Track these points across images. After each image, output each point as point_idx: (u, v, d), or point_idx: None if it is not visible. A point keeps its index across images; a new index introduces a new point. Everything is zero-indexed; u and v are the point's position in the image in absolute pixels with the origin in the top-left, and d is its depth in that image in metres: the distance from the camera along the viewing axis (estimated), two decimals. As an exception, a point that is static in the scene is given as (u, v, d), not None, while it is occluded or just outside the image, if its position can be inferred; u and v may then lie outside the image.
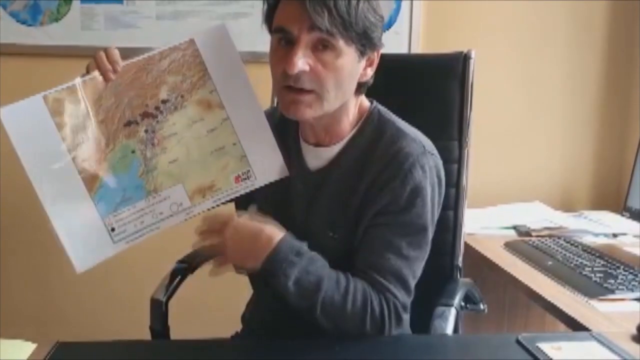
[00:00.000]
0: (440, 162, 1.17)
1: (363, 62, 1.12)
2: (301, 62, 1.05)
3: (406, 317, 1.13)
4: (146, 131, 1.13)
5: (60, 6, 2.09)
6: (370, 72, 1.15)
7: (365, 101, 1.20)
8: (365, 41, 1.09)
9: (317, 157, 1.19)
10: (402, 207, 1.11)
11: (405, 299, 1.12)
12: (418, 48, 2.18)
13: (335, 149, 1.17)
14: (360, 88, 1.16)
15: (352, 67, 1.10)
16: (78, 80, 1.10)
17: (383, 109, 1.20)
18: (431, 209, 1.14)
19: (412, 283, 1.14)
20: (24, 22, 2.09)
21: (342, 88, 1.10)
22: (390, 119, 1.18)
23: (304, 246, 1.08)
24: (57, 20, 2.09)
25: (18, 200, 2.15)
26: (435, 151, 1.17)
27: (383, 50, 1.16)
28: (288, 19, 1.06)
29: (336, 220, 1.15)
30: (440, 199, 1.17)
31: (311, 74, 1.06)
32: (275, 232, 1.07)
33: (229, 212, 1.11)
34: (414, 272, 1.14)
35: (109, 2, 2.09)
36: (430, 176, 1.13)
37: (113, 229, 1.13)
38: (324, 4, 1.03)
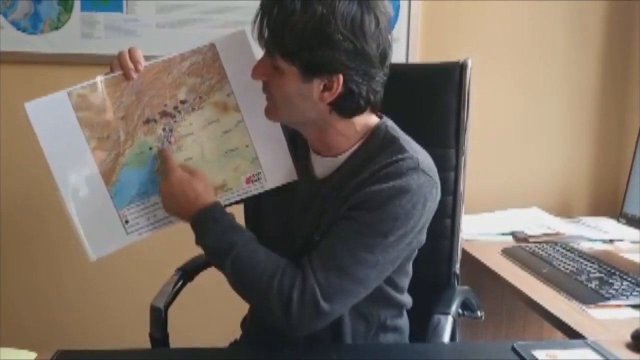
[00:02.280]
0: (433, 184, 1.13)
1: (317, 84, 1.09)
2: (256, 72, 1.13)
3: (325, 306, 1.06)
4: (164, 129, 1.18)
5: (61, 14, 2.10)
6: (329, 96, 1.10)
7: (371, 118, 1.20)
8: (302, 61, 1.07)
9: (322, 166, 1.21)
10: (370, 207, 1.09)
11: (333, 288, 1.06)
12: (416, 55, 2.19)
13: (340, 159, 1.19)
14: (340, 112, 1.13)
15: (297, 87, 1.09)
16: (101, 78, 1.14)
17: (392, 126, 1.20)
18: (402, 223, 1.09)
19: (351, 282, 1.08)
20: (24, 31, 2.10)
21: (292, 105, 1.12)
22: (397, 136, 1.17)
23: (227, 216, 1.15)
24: (57, 28, 2.11)
25: (18, 210, 2.17)
26: (432, 172, 1.14)
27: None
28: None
29: (321, 225, 1.16)
30: (421, 219, 1.12)
31: (267, 85, 1.14)
32: (205, 197, 1.15)
33: (170, 163, 1.16)
34: (357, 272, 1.08)
35: (109, 11, 2.11)
36: (414, 191, 1.10)
37: (127, 221, 1.18)
38: (267, 25, 1.08)
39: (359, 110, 1.15)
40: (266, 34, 1.09)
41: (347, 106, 1.13)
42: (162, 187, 1.16)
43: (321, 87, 1.10)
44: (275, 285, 1.07)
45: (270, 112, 1.16)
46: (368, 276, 1.10)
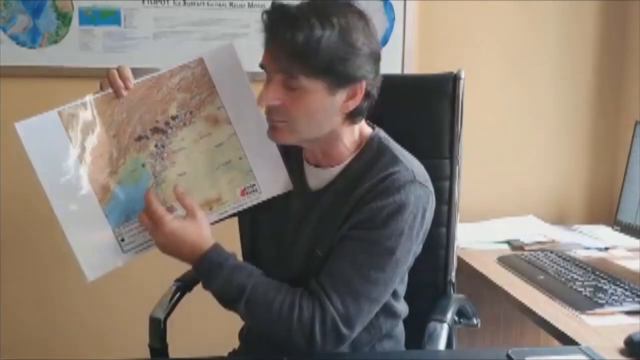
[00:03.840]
0: (429, 193, 1.16)
1: (341, 95, 1.11)
2: (270, 97, 1.11)
3: (347, 332, 1.09)
4: (156, 146, 1.17)
5: (59, 28, 2.12)
6: (352, 104, 1.13)
7: (366, 128, 1.22)
8: (333, 76, 1.08)
9: (316, 178, 1.22)
10: (374, 226, 1.11)
11: (352, 313, 1.09)
12: (412, 66, 2.21)
13: (334, 171, 1.20)
14: (353, 117, 1.16)
15: (323, 101, 1.10)
16: (91, 97, 1.14)
17: (384, 136, 1.22)
18: (407, 237, 1.12)
19: (367, 303, 1.11)
20: (23, 45, 2.12)
21: (315, 121, 1.12)
22: (389, 146, 1.19)
23: (229, 258, 1.13)
24: (56, 42, 2.12)
25: (18, 223, 2.18)
26: (427, 183, 1.17)
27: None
28: (265, 59, 1.12)
29: (322, 239, 1.17)
30: (422, 229, 1.16)
31: (281, 108, 1.11)
32: (202, 244, 1.13)
33: (160, 212, 1.12)
34: (371, 292, 1.11)
35: (108, 24, 2.12)
36: (414, 204, 1.12)
37: (123, 239, 1.17)
38: (283, 46, 1.07)
39: (365, 112, 1.17)
40: (284, 58, 1.07)
41: (362, 110, 1.16)
42: (156, 240, 1.14)
43: (344, 97, 1.12)
44: (295, 321, 1.08)
45: (283, 133, 1.14)
46: (381, 294, 1.13)
